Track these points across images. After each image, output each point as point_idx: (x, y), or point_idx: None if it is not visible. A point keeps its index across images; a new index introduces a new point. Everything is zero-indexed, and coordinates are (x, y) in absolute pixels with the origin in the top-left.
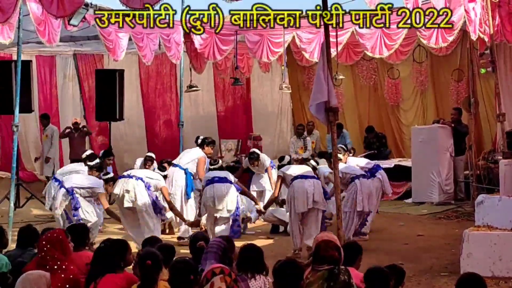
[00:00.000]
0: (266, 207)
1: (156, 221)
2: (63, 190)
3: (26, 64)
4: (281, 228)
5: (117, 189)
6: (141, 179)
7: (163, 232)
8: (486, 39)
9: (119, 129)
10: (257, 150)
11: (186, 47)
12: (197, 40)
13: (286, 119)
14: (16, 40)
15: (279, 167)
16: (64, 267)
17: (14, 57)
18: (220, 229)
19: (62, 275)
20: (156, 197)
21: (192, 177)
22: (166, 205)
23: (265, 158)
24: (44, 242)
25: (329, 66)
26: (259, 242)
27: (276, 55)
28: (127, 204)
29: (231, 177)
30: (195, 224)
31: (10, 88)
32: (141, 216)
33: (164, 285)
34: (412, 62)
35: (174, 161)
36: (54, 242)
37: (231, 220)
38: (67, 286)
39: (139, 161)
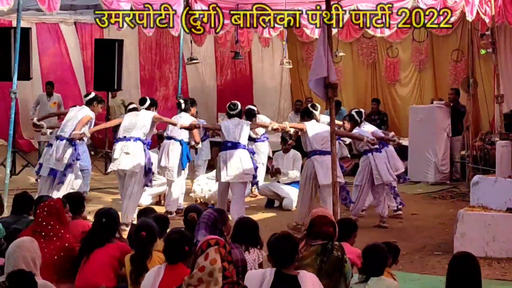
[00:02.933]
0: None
1: (140, 188)
2: (63, 142)
3: (26, 32)
4: (276, 203)
5: (117, 153)
6: (139, 139)
7: (158, 203)
8: (487, 20)
9: (116, 99)
10: (254, 107)
11: None
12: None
13: (285, 95)
14: (16, 7)
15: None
16: (60, 235)
17: (14, 24)
18: (239, 209)
19: (58, 243)
20: (149, 157)
21: (188, 146)
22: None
23: (264, 119)
24: (41, 210)
25: (329, 42)
26: (254, 216)
27: (277, 30)
28: (124, 166)
29: (244, 133)
30: None
31: (9, 55)
32: (130, 178)
33: (158, 256)
34: (411, 41)
35: (167, 133)
36: (51, 210)
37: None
38: (62, 253)
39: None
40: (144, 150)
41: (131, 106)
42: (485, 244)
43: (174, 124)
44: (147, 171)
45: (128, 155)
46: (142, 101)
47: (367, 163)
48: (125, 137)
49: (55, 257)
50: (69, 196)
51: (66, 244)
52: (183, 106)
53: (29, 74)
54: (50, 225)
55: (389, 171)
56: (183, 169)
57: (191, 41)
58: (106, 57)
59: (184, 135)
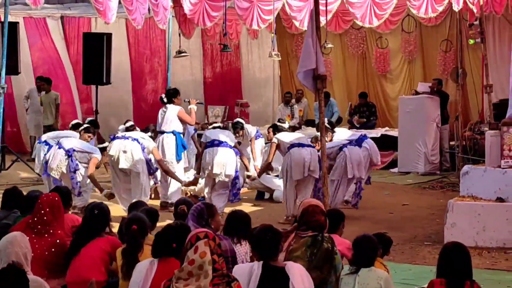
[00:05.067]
0: (260, 173)
1: (147, 184)
2: (62, 151)
3: (13, 26)
4: (267, 195)
5: (113, 151)
6: (137, 140)
7: (150, 197)
8: (475, 10)
9: (105, 94)
10: (241, 120)
11: (175, 12)
12: (187, 5)
13: (274, 87)
14: (3, 1)
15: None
16: (52, 231)
17: (2, 19)
18: (218, 199)
19: (49, 239)
20: (150, 159)
21: (182, 135)
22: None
23: (250, 129)
24: (43, 205)
25: (318, 34)
26: (245, 209)
27: (266, 22)
28: (123, 165)
29: (231, 138)
30: (193, 183)
31: None
32: (135, 177)
33: (149, 249)
34: (400, 32)
35: (159, 128)
36: (53, 205)
37: (230, 185)
38: (53, 249)
39: (121, 127)
40: (143, 150)
41: (128, 124)
42: (475, 234)
43: (159, 160)
44: (154, 170)
45: (125, 154)
46: (147, 129)
47: (343, 158)
48: (123, 136)
49: (46, 253)
50: (57, 190)
51: (58, 241)
52: (165, 100)
53: (17, 69)
54: (45, 222)
55: (363, 167)
56: (179, 159)
57: (179, 34)
58: (94, 51)
59: (175, 126)
